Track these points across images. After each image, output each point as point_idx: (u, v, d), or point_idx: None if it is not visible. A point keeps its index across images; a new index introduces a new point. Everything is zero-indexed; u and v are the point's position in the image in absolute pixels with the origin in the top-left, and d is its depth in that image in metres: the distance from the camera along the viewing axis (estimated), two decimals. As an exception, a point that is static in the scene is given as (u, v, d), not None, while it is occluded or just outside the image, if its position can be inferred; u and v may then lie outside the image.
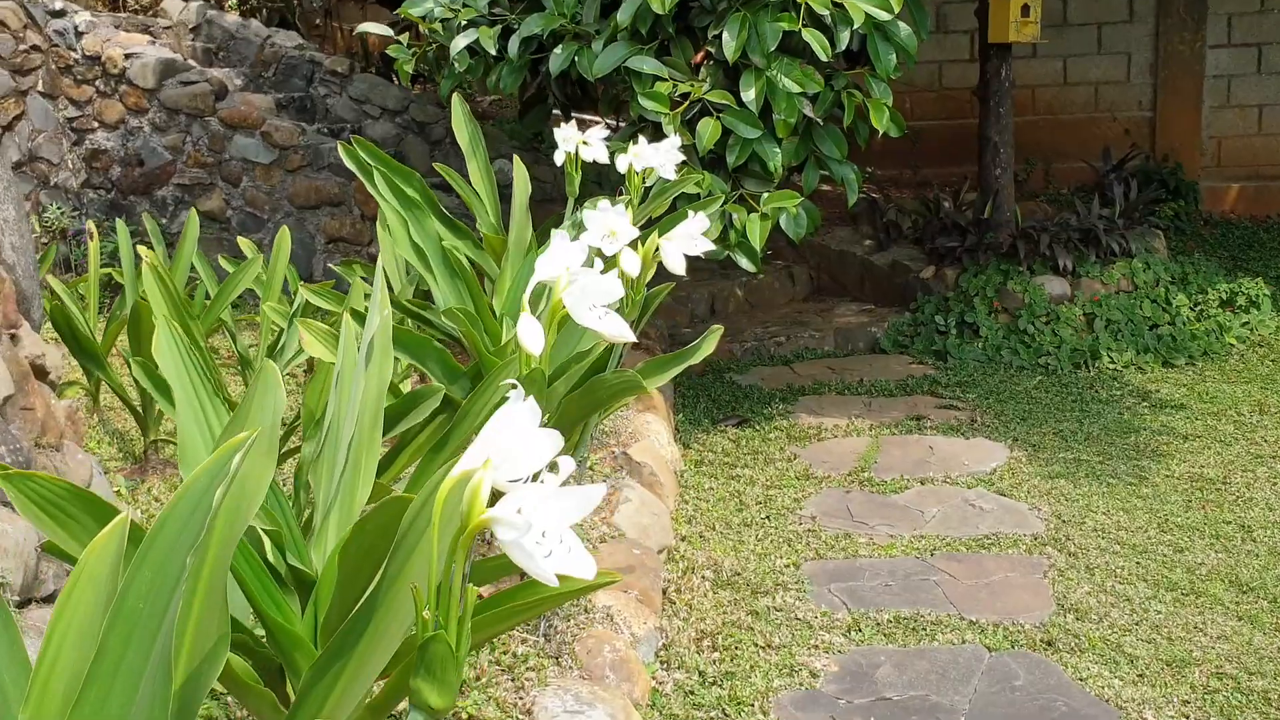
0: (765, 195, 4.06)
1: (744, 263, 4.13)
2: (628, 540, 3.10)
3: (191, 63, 6.35)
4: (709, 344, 2.50)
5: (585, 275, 1.54)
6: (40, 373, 2.80)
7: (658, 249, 2.12)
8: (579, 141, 3.52)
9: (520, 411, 1.09)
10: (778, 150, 3.95)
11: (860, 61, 4.15)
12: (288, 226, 6.04)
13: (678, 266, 2.11)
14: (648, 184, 3.75)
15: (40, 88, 6.05)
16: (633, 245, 2.13)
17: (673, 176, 3.42)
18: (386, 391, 1.84)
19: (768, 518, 3.62)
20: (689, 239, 2.11)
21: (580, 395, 2.24)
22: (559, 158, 3.51)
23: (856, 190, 4.25)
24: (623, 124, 4.39)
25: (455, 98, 3.80)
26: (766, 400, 4.84)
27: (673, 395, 4.71)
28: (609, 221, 2.07)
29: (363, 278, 4.26)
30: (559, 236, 1.63)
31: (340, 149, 3.03)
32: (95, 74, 6.08)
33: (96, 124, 6.14)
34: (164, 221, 6.11)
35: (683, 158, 3.40)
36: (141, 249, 3.22)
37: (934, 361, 5.42)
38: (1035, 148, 7.28)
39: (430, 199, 3.52)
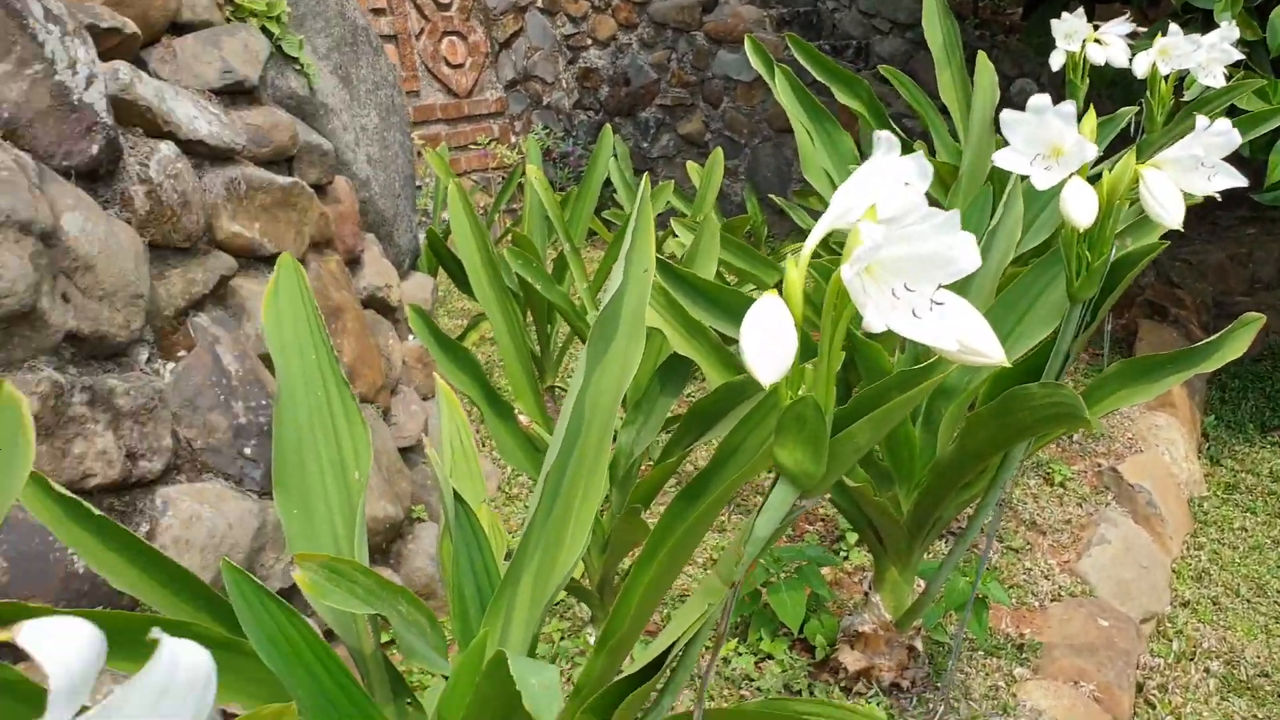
0: (1374, 117, 2.80)
1: (1330, 213, 2.91)
2: (1095, 602, 2.18)
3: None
4: (1236, 344, 1.52)
5: (898, 226, 0.74)
6: (382, 308, 2.42)
7: (1136, 182, 1.22)
8: (1087, 38, 2.56)
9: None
10: (1402, 50, 2.69)
11: None
12: (760, 152, 5.51)
13: (1169, 213, 1.19)
14: (1186, 99, 2.70)
15: (539, 3, 5.92)
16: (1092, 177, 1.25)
17: (1220, 83, 2.36)
18: (628, 389, 1.16)
19: (1326, 586, 2.49)
20: (1192, 164, 1.18)
21: (989, 415, 1.40)
22: (1056, 60, 2.58)
23: None
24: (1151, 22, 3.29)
25: (931, -13, 2.95)
26: (1347, 403, 3.53)
27: (1204, 388, 3.55)
28: (1047, 130, 1.21)
29: (809, 210, 3.57)
30: (883, 142, 0.84)
31: (747, 41, 2.34)
32: (591, -12, 5.85)
33: (590, 41, 5.91)
34: (645, 145, 5.80)
35: (1237, 55, 2.33)
36: (530, 168, 2.75)
37: None
38: None
39: (878, 112, 2.74)
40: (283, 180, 1.99)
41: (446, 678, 1.04)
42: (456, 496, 1.21)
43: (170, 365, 1.65)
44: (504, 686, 0.77)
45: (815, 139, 2.22)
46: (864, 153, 3.52)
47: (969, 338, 0.77)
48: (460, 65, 5.57)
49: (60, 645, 0.30)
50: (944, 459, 1.60)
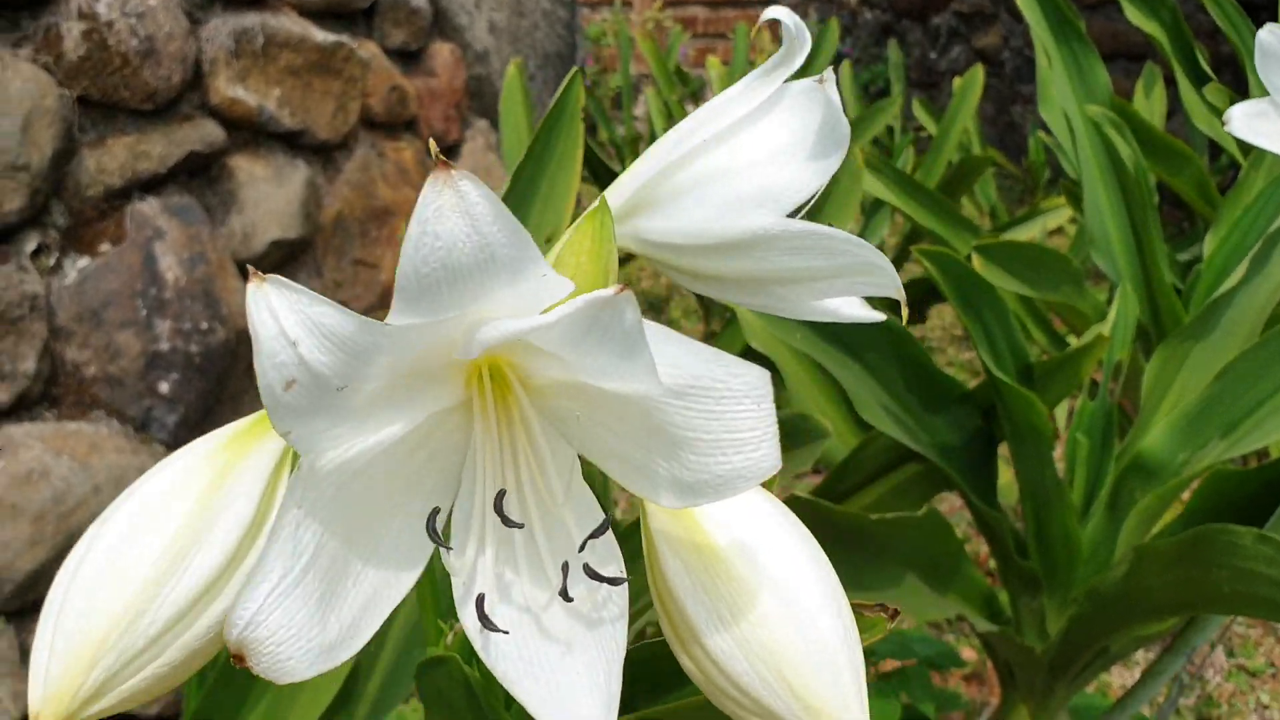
0: None
1: None
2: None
3: None
4: None
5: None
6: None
7: None
8: None
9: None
10: None
11: None
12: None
13: None
14: None
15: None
16: None
17: None
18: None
19: None
20: None
21: (1171, 554, 0.81)
22: None
23: None
24: None
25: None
26: None
27: None
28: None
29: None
30: (791, 35, 0.41)
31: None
32: None
33: (892, -71, 5.18)
34: (933, 55, 5.07)
35: None
36: (712, 60, 2.22)
37: None
38: None
39: (1183, 40, 2.02)
40: (321, 38, 1.56)
41: None
42: None
43: (81, 262, 1.27)
44: None
45: (1054, 64, 1.58)
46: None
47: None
48: (735, -58, 4.99)
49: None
50: (1107, 587, 1.00)
